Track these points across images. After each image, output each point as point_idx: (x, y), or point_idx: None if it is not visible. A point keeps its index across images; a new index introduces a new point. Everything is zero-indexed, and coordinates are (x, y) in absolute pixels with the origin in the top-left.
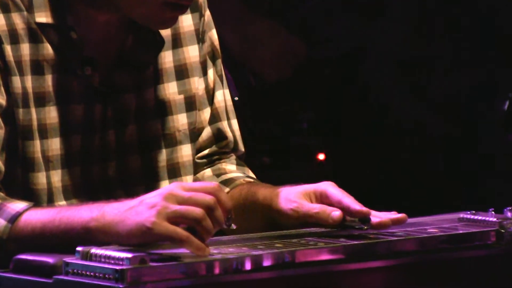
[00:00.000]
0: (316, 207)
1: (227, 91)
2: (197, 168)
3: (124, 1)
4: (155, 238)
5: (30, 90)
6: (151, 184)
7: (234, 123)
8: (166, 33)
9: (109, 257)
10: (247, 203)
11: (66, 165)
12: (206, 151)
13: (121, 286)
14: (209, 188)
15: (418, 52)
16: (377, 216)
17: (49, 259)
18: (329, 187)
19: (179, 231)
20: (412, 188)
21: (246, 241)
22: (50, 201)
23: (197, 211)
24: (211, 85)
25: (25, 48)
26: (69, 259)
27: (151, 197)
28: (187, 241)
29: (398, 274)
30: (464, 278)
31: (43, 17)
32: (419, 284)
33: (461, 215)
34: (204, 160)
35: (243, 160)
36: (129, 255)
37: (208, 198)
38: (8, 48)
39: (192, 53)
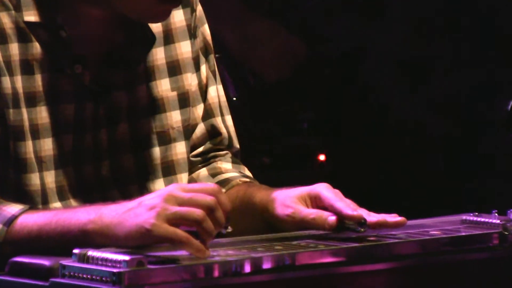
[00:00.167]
0: (312, 213)
1: (220, 87)
2: (192, 166)
3: None
4: (155, 240)
5: (20, 90)
6: (146, 183)
7: (228, 119)
8: (157, 29)
9: (106, 260)
10: (244, 205)
11: (59, 165)
12: (200, 149)
13: None
14: (209, 189)
15: (418, 52)
16: (373, 217)
17: (45, 262)
18: (323, 190)
19: (179, 232)
20: (413, 189)
21: (245, 243)
22: (44, 202)
23: (198, 212)
24: (204, 80)
25: (14, 48)
26: (65, 262)
27: (150, 199)
28: (187, 242)
29: (400, 277)
30: (467, 281)
31: (31, 16)
32: (421, 287)
33: (464, 217)
34: (199, 158)
35: (238, 158)
36: (127, 257)
37: (209, 199)
38: None
39: (184, 49)
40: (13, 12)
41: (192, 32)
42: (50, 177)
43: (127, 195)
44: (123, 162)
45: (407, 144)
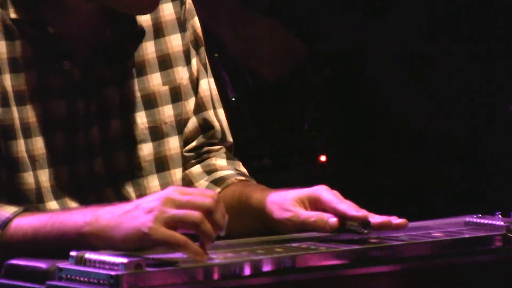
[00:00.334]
0: (313, 216)
1: (211, 80)
2: (185, 162)
3: None
4: (152, 243)
5: (9, 88)
6: (139, 179)
7: (221, 112)
8: (147, 23)
9: (103, 262)
10: (240, 205)
11: (53, 163)
12: (193, 143)
13: None
14: (207, 193)
15: (421, 52)
16: (375, 219)
17: (41, 264)
18: (323, 193)
19: (177, 236)
20: (415, 190)
21: (245, 246)
22: (39, 201)
23: (196, 214)
24: (195, 74)
25: (1, 46)
26: (62, 264)
27: (148, 202)
28: (185, 246)
29: (402, 279)
30: (471, 284)
31: (18, 13)
32: None
33: (467, 218)
34: (192, 154)
35: (232, 151)
36: (125, 260)
37: (207, 201)
38: None
39: (175, 42)
40: None
41: (182, 25)
42: (44, 176)
43: (121, 192)
44: (116, 159)
45: (409, 144)
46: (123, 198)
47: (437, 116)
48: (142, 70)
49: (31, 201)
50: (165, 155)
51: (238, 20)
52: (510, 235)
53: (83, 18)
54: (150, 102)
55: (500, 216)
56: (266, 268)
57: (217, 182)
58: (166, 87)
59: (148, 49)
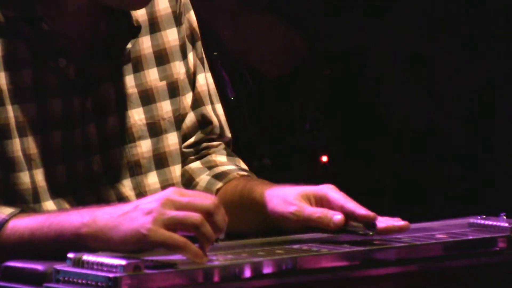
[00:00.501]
0: (317, 211)
1: (208, 74)
2: (184, 158)
3: None
4: (151, 245)
5: (4, 87)
6: (138, 176)
7: (219, 107)
8: (142, 18)
9: (102, 264)
10: (243, 200)
11: (49, 162)
12: (192, 139)
13: None
14: (208, 195)
15: (421, 52)
16: (380, 221)
17: (39, 266)
18: (330, 191)
19: (176, 237)
20: (418, 191)
21: (245, 247)
22: (36, 201)
23: (196, 216)
24: (192, 68)
25: None
26: (60, 266)
27: (147, 203)
28: (184, 248)
29: (405, 281)
30: (474, 285)
31: (11, 10)
32: None
33: (471, 220)
34: (191, 149)
35: (230, 147)
36: (123, 262)
37: (207, 203)
38: None
39: (171, 36)
40: None
41: (178, 19)
42: (40, 175)
43: (120, 190)
44: (114, 156)
45: (409, 144)
46: (122, 196)
47: (437, 116)
48: (138, 65)
49: (27, 201)
50: (164, 151)
51: (238, 19)
52: None
53: (78, 14)
54: (148, 98)
55: (504, 217)
56: (267, 270)
57: (218, 176)
58: (164, 83)
59: (144, 44)
